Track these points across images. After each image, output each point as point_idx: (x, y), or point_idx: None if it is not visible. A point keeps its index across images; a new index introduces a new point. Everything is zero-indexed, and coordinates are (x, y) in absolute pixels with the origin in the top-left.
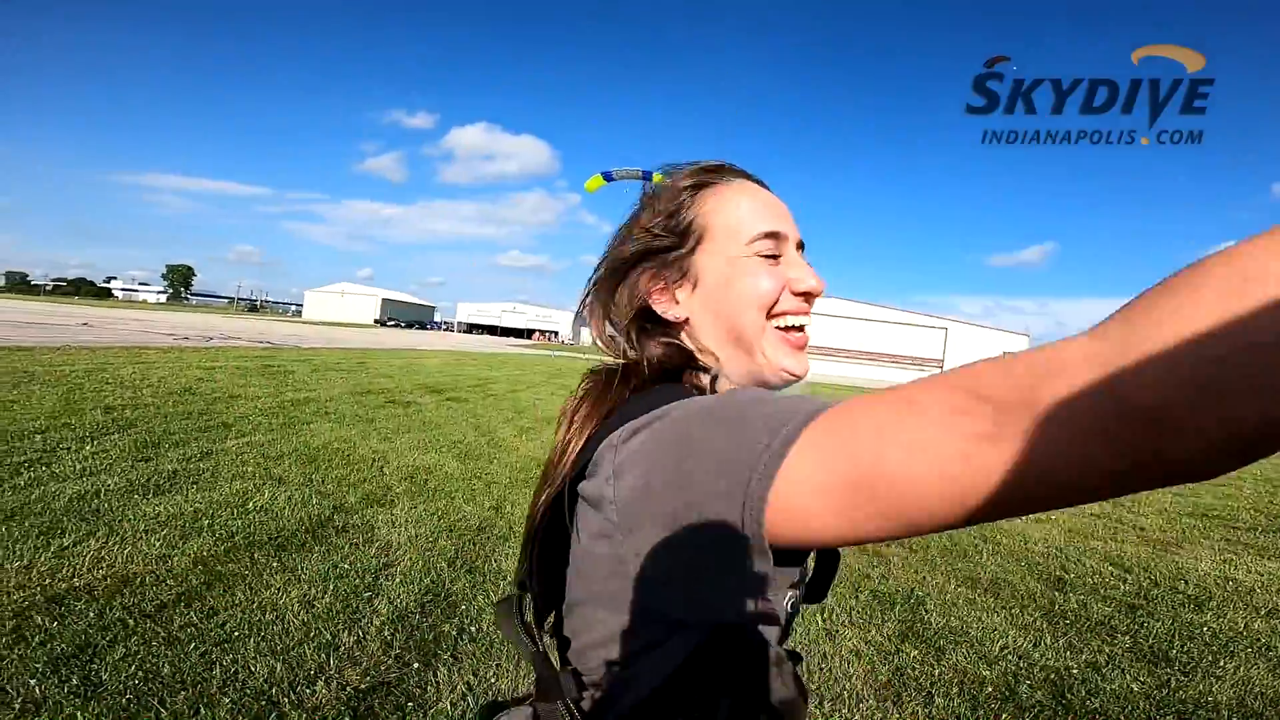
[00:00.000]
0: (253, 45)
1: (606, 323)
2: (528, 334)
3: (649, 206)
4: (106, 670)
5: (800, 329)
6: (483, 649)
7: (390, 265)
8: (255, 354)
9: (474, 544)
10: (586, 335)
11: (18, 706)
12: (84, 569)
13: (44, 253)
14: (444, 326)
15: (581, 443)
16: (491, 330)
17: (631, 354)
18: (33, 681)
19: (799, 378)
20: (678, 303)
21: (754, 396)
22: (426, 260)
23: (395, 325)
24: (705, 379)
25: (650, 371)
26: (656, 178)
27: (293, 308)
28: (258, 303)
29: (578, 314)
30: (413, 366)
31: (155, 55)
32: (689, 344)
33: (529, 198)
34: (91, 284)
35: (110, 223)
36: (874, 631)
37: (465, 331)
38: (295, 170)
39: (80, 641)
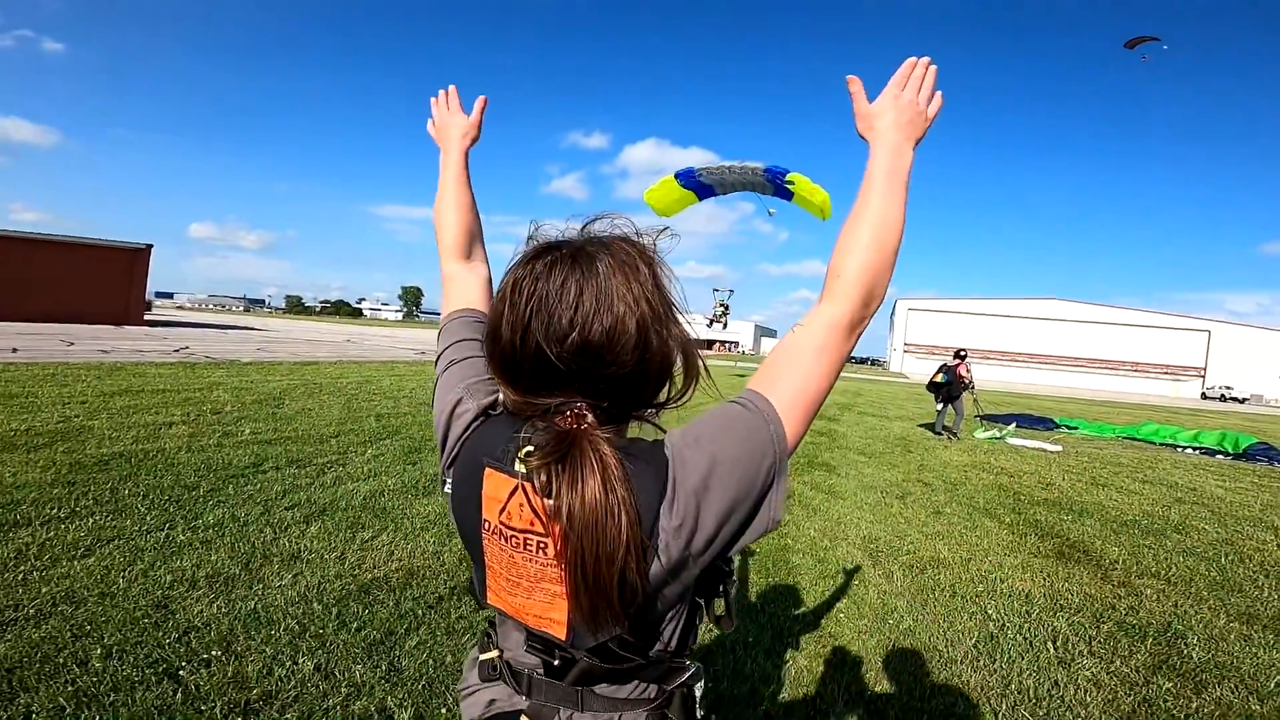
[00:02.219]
0: (447, 80)
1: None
2: (708, 344)
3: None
4: (405, 657)
5: None
6: (700, 653)
7: None
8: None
9: None
10: (768, 345)
11: (344, 691)
12: (381, 561)
13: (312, 277)
14: None
15: None
16: None
17: None
18: (356, 667)
19: None
20: None
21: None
22: None
23: None
24: None
25: None
26: (799, 181)
27: None
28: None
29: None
30: None
31: (384, 98)
32: None
33: (702, 209)
34: (348, 304)
35: (358, 249)
36: (1119, 663)
37: None
38: (494, 195)
39: (385, 629)
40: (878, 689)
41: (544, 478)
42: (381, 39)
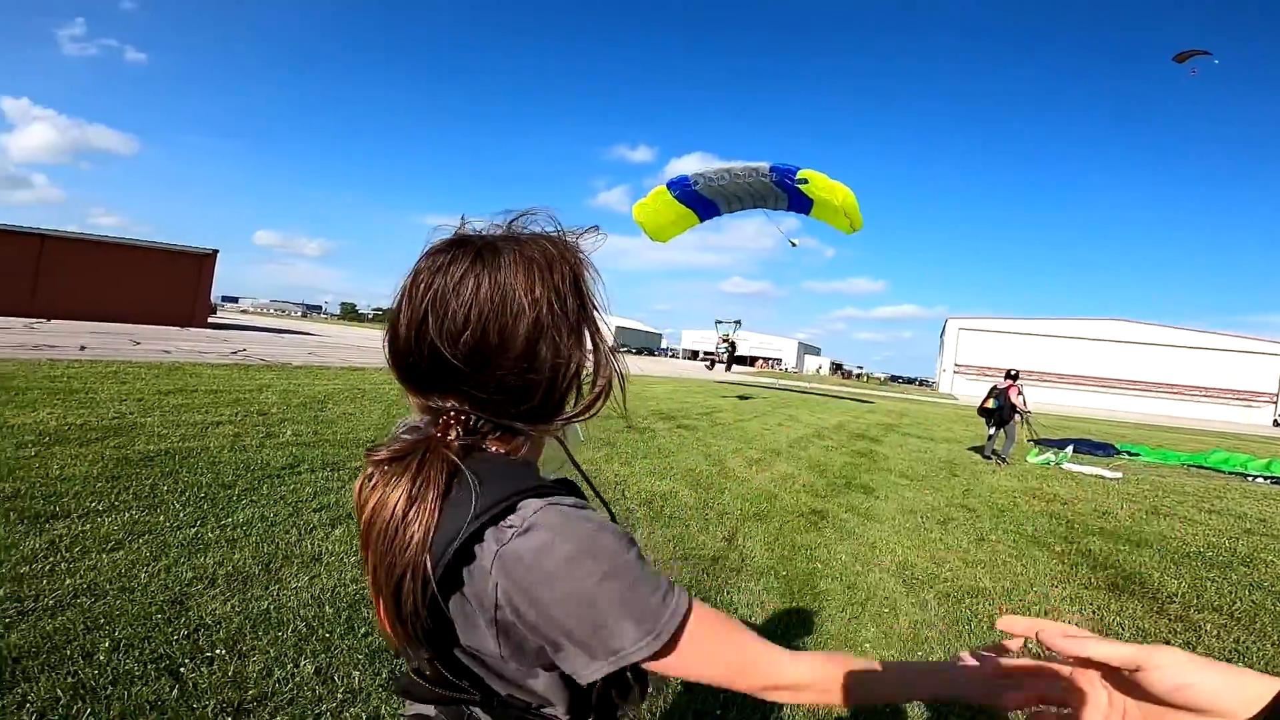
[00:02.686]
0: (498, 96)
1: None
2: (750, 361)
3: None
4: (402, 665)
5: None
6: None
7: (622, 293)
8: None
9: (708, 574)
10: (811, 363)
11: (340, 696)
12: None
13: (365, 285)
14: (670, 353)
15: None
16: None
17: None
18: (355, 673)
19: None
20: None
21: (609, 552)
22: (654, 288)
23: (625, 351)
24: None
25: None
26: (813, 179)
27: None
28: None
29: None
30: (644, 393)
31: (432, 114)
32: None
33: (748, 224)
34: None
35: (409, 258)
36: None
37: (690, 357)
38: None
39: None
40: None
41: (369, 473)
42: (429, 56)
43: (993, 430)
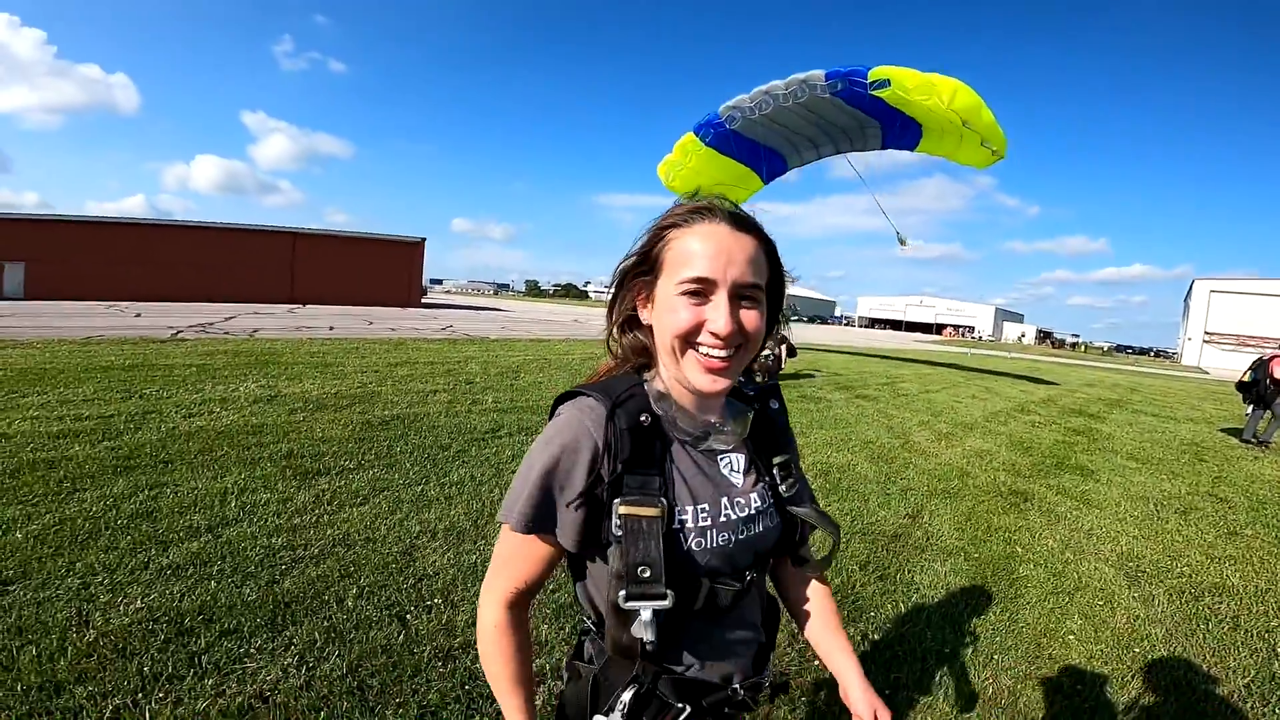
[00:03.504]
0: (661, 76)
1: (618, 323)
2: (937, 329)
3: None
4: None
5: (721, 358)
6: (887, 657)
7: (792, 261)
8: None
9: (888, 550)
10: (1011, 330)
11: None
12: None
13: (547, 263)
14: (844, 321)
15: None
16: (895, 325)
17: (614, 345)
18: (544, 627)
19: (706, 394)
20: (649, 312)
21: (533, 450)
22: (826, 255)
23: (797, 320)
24: (653, 373)
25: (622, 358)
26: (897, 78)
27: None
28: None
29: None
30: (817, 362)
31: (603, 96)
32: (652, 345)
33: (928, 184)
34: (575, 286)
35: (584, 235)
36: None
37: (867, 326)
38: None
39: (575, 593)
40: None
41: None
42: (596, 42)
43: (1250, 409)
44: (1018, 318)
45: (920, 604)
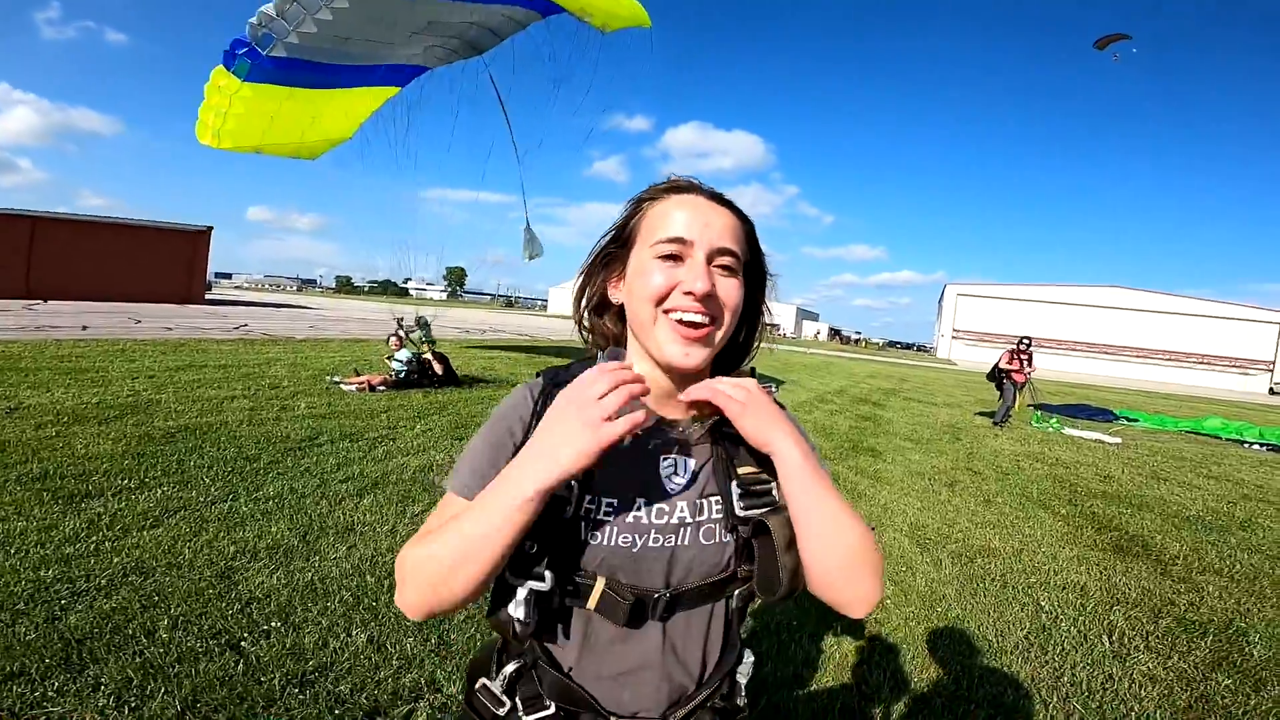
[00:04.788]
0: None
1: (588, 308)
2: None
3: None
4: (454, 630)
5: (695, 325)
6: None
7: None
8: (520, 344)
9: None
10: (809, 328)
11: (395, 663)
12: None
13: (360, 259)
14: (780, 331)
15: None
16: None
17: (585, 331)
18: (407, 641)
19: (678, 368)
20: (620, 291)
21: (485, 426)
22: None
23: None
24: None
25: (594, 342)
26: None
27: (539, 303)
28: (512, 299)
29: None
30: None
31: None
32: (623, 330)
33: (746, 192)
34: (395, 284)
35: (405, 231)
36: (1176, 658)
37: None
38: (537, 178)
39: None
40: (924, 676)
41: None
42: None
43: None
44: (814, 316)
45: None
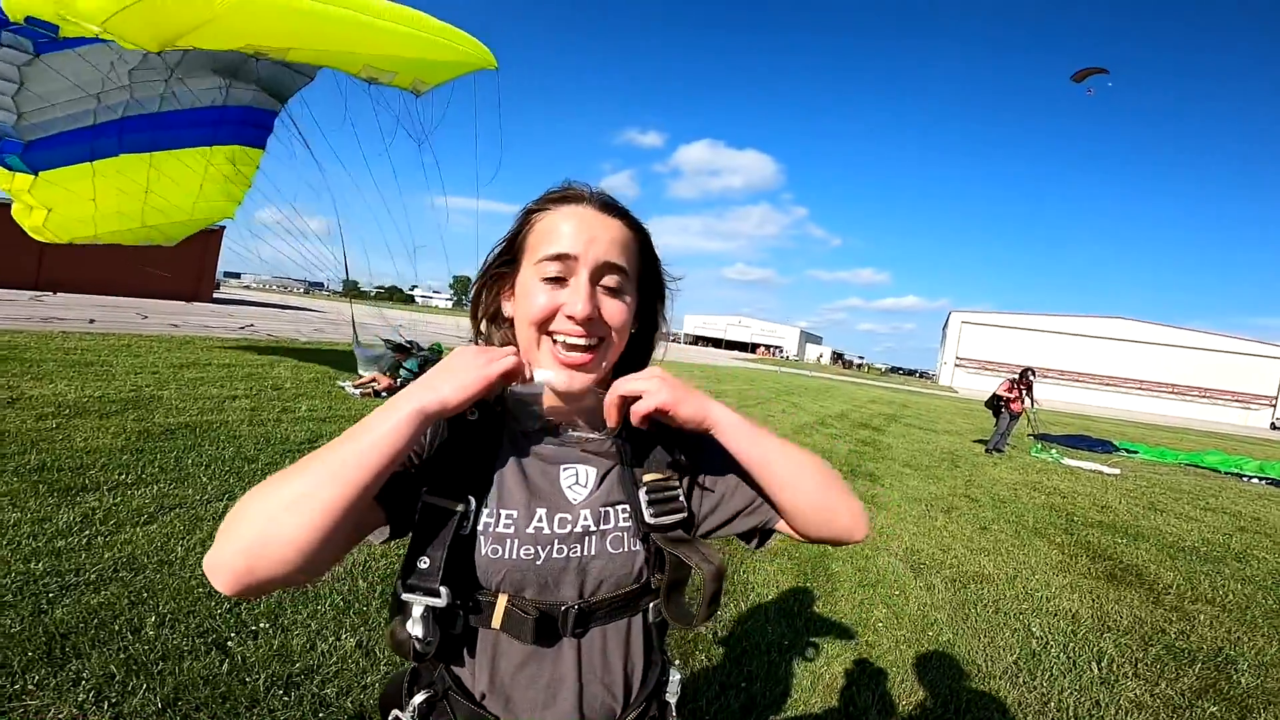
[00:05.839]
0: (508, 74)
1: (484, 319)
2: (752, 348)
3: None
4: None
5: (579, 348)
6: (737, 653)
7: None
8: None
9: (723, 552)
10: (812, 351)
11: (383, 669)
12: None
13: (371, 263)
14: (671, 338)
15: None
16: (716, 343)
17: (483, 342)
18: None
19: (560, 391)
20: (512, 304)
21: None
22: None
23: None
24: None
25: None
26: None
27: None
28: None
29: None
30: None
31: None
32: (518, 340)
33: (754, 211)
34: (400, 290)
35: (415, 237)
36: (1164, 685)
37: (691, 343)
38: (545, 190)
39: None
40: (913, 700)
41: None
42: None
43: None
44: (818, 340)
45: (757, 602)
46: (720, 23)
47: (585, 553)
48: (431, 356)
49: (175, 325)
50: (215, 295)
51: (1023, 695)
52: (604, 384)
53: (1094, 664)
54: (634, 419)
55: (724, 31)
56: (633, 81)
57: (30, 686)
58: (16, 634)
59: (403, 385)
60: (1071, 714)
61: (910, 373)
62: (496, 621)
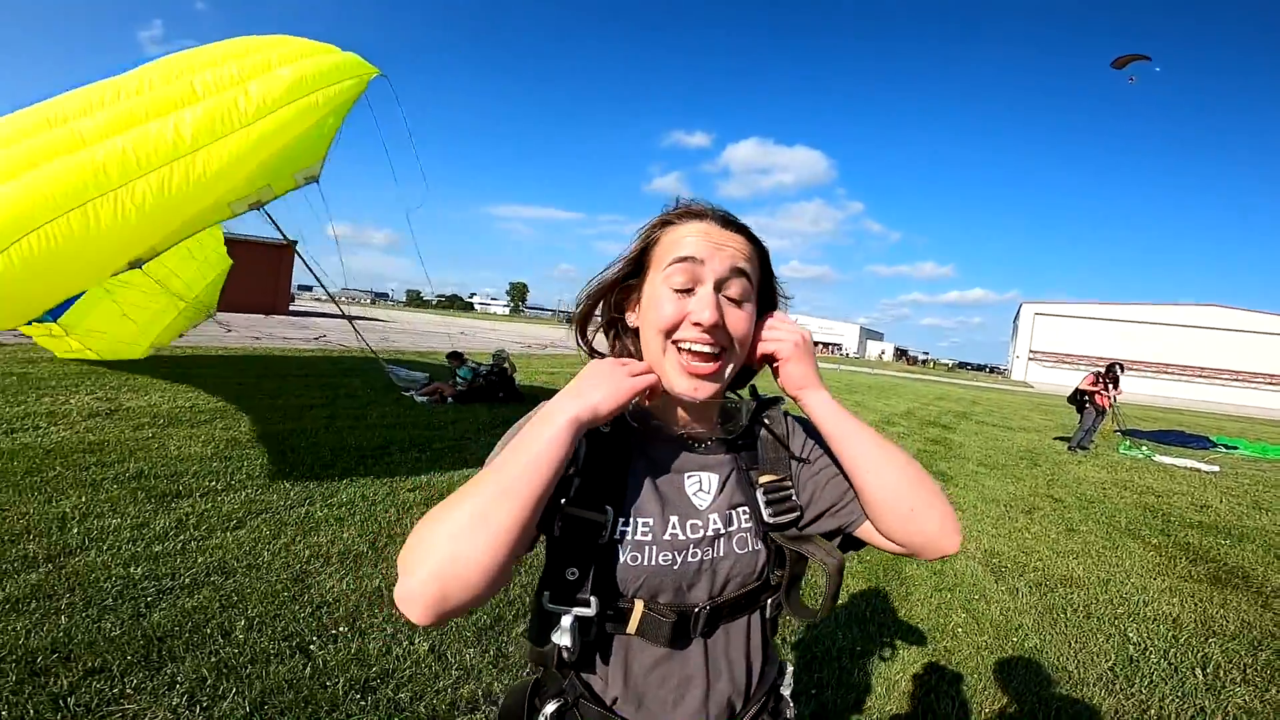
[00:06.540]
0: (561, 84)
1: (590, 328)
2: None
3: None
4: (512, 644)
5: (704, 356)
6: (807, 659)
7: None
8: (580, 361)
9: None
10: (874, 348)
11: (454, 674)
12: None
13: (431, 273)
14: None
15: None
16: None
17: (590, 351)
18: (467, 651)
19: (686, 398)
20: (637, 314)
21: (519, 422)
22: None
23: None
24: None
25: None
26: None
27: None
28: (572, 315)
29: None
30: None
31: (500, 104)
32: (639, 350)
33: (808, 208)
34: (460, 298)
35: (472, 247)
36: (1275, 691)
37: None
38: (601, 195)
39: (494, 615)
40: (997, 707)
41: None
42: (485, 43)
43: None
44: (879, 336)
45: None
46: (762, 20)
47: (716, 554)
48: (490, 365)
49: (257, 338)
50: (291, 308)
51: (1119, 703)
52: (718, 396)
53: (1198, 670)
54: (754, 356)
55: (766, 28)
56: (676, 82)
57: (129, 690)
58: (117, 637)
59: (459, 394)
60: None
61: (979, 368)
62: (633, 627)
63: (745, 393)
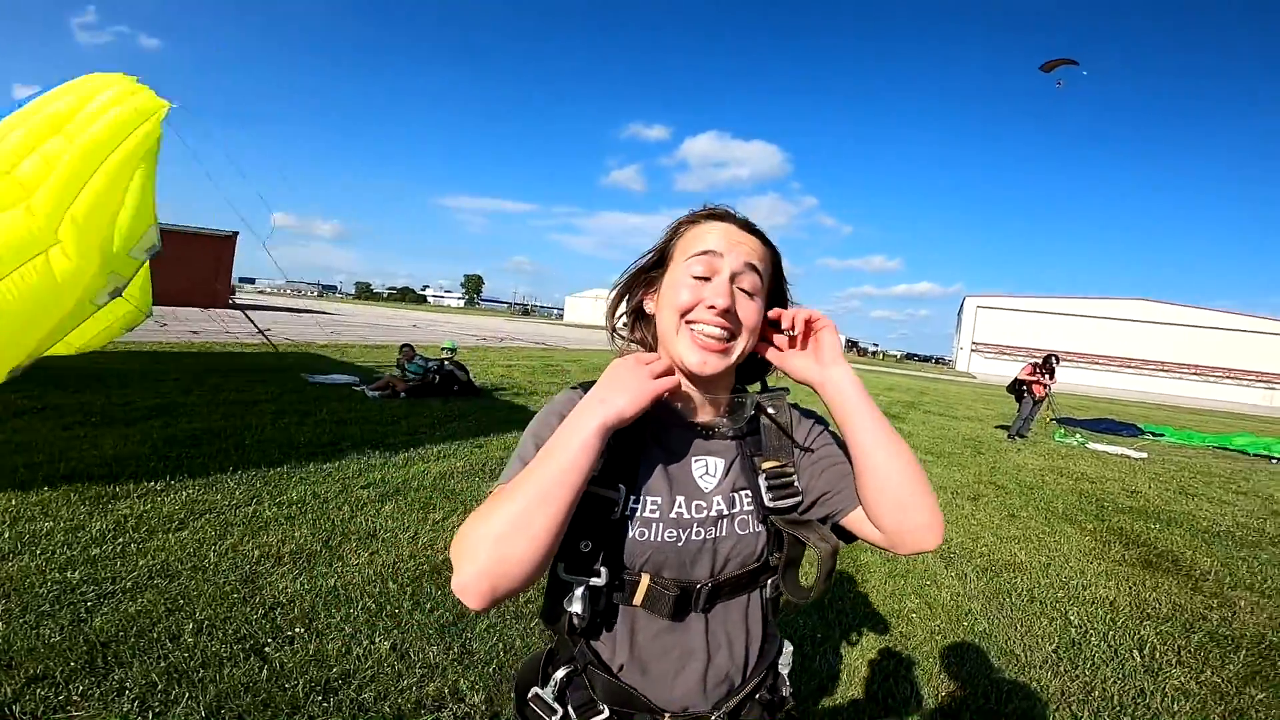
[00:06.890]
0: (515, 73)
1: (619, 315)
2: None
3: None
4: (476, 640)
5: (715, 337)
6: None
7: (594, 271)
8: (537, 353)
9: None
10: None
11: (418, 672)
12: (451, 542)
13: (380, 265)
14: None
15: None
16: None
17: (616, 335)
18: (430, 649)
19: (694, 372)
20: (655, 302)
21: (531, 426)
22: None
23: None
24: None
25: (623, 348)
26: None
27: (555, 311)
28: (528, 307)
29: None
30: None
31: (451, 94)
32: (655, 337)
33: (763, 202)
34: (413, 291)
35: (424, 238)
36: (1209, 673)
37: None
38: (556, 187)
39: (457, 611)
40: (951, 690)
41: None
42: (442, 32)
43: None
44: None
45: None
46: (724, 14)
47: (718, 534)
48: (439, 361)
49: (195, 332)
50: (232, 301)
51: (1064, 684)
52: (727, 386)
53: (1136, 652)
54: (797, 320)
55: (728, 22)
56: (637, 74)
57: (75, 697)
58: (57, 644)
59: (412, 386)
60: (1116, 702)
61: (926, 359)
62: (638, 599)
63: (756, 388)
